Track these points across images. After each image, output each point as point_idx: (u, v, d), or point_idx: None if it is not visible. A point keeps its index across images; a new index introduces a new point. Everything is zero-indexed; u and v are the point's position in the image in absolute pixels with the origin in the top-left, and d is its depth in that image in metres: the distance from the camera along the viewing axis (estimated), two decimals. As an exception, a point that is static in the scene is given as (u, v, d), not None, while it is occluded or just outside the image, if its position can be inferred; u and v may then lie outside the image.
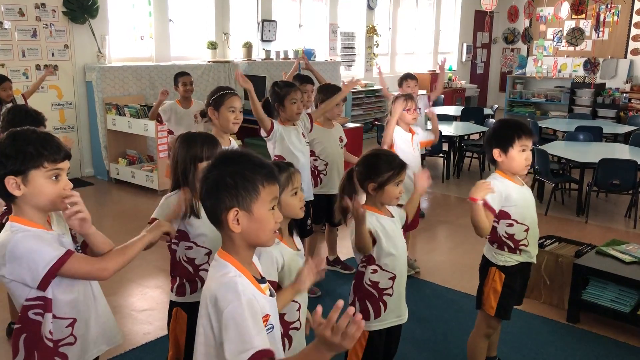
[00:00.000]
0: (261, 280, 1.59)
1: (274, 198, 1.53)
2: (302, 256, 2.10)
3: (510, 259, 2.69)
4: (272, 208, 1.53)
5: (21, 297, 1.76)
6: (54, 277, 1.72)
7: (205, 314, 1.49)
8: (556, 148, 6.38)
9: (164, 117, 5.28)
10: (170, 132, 5.35)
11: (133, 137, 6.94)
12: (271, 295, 1.60)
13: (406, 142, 4.04)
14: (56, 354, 1.84)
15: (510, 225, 2.66)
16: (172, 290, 2.44)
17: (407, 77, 5.48)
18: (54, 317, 1.80)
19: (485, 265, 2.78)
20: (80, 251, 1.94)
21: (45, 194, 1.73)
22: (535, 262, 2.80)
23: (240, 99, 3.13)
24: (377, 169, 2.37)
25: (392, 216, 2.48)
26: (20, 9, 6.40)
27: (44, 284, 1.71)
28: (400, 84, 5.48)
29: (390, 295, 2.42)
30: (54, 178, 1.74)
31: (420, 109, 5.41)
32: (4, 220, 3.12)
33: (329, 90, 4.03)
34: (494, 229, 2.69)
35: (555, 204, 6.18)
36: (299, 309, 2.05)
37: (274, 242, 1.63)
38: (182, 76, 5.35)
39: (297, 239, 2.14)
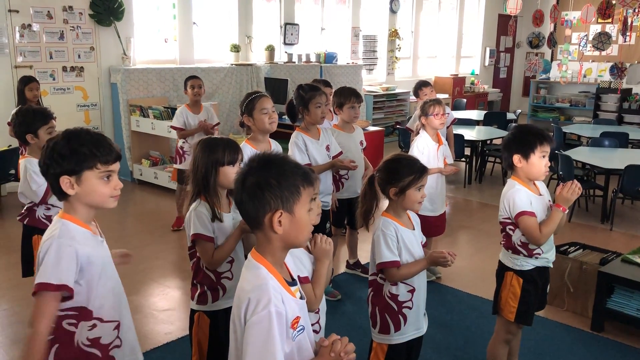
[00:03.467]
0: (292, 282, 1.59)
1: (311, 199, 1.56)
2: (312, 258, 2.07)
3: (526, 263, 2.67)
4: (310, 209, 1.54)
5: None
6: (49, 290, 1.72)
7: (237, 314, 1.50)
8: (580, 154, 6.29)
9: (179, 123, 5.24)
10: (179, 129, 5.25)
11: (156, 139, 7.02)
12: (301, 297, 1.61)
13: (432, 151, 4.02)
14: (107, 357, 1.87)
15: None
16: (192, 299, 2.43)
17: (422, 85, 5.37)
18: (101, 321, 1.83)
19: (501, 270, 2.76)
20: None
21: (98, 193, 1.79)
22: (552, 266, 2.77)
23: (270, 100, 3.17)
24: (398, 173, 2.36)
25: (413, 228, 2.45)
26: (48, 11, 6.52)
27: (34, 289, 1.73)
28: (416, 93, 5.39)
29: (409, 308, 2.41)
30: (105, 178, 1.79)
31: (449, 113, 5.39)
32: (26, 221, 3.20)
33: (342, 94, 4.01)
34: (509, 236, 2.68)
35: (579, 211, 6.09)
36: (317, 312, 2.04)
37: (307, 243, 1.65)
38: (190, 79, 5.28)
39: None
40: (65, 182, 1.74)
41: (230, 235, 2.30)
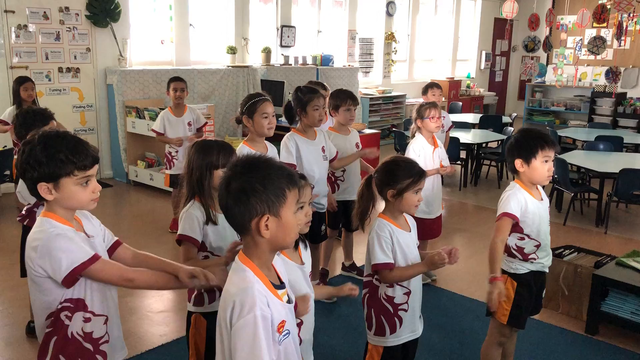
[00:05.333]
0: (279, 285, 1.58)
1: (297, 201, 1.55)
2: (304, 270, 2.05)
3: (521, 267, 2.68)
4: (297, 209, 1.54)
5: (51, 296, 1.78)
6: (76, 277, 1.75)
7: (223, 317, 1.50)
8: (575, 157, 6.32)
9: (160, 128, 5.17)
10: (159, 133, 5.17)
11: (152, 140, 6.96)
12: (289, 301, 1.60)
13: (427, 155, 4.02)
14: (98, 352, 1.87)
15: (522, 239, 2.65)
16: (189, 301, 2.42)
17: (432, 85, 5.43)
18: (94, 314, 1.84)
19: None
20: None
21: (76, 199, 1.79)
22: (547, 271, 2.78)
23: (272, 104, 3.18)
24: (396, 176, 2.36)
25: (410, 231, 2.46)
26: (44, 12, 6.51)
27: (67, 282, 1.74)
28: (425, 92, 5.43)
29: (405, 310, 2.41)
30: (84, 184, 1.79)
31: (444, 117, 5.43)
32: (26, 222, 3.19)
33: (339, 97, 4.01)
34: None
35: (574, 214, 6.11)
36: (299, 324, 2.00)
37: (293, 244, 1.64)
38: (173, 81, 5.18)
39: (304, 253, 2.10)
40: (43, 188, 1.74)
41: (210, 260, 2.30)
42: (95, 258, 1.76)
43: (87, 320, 1.83)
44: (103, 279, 1.81)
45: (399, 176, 2.35)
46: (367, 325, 2.47)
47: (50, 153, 1.72)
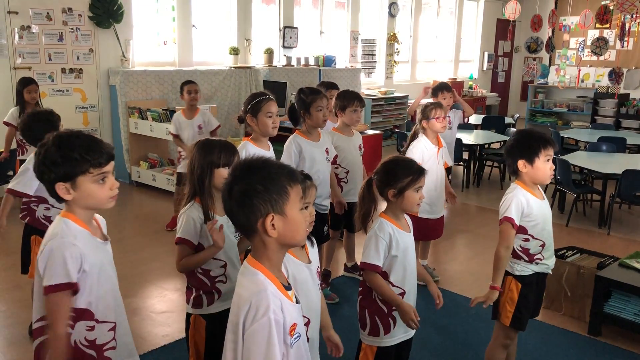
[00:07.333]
0: (288, 286, 1.58)
1: (301, 198, 1.55)
2: (311, 268, 2.04)
3: (526, 269, 2.68)
4: (301, 208, 1.54)
5: None
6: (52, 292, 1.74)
7: (236, 322, 1.48)
8: (578, 158, 6.31)
9: (174, 130, 5.28)
10: (174, 135, 5.29)
11: (154, 141, 7.02)
12: (297, 302, 1.60)
13: (431, 156, 4.01)
14: (102, 358, 1.87)
15: (527, 240, 2.66)
16: (187, 303, 2.41)
17: (443, 87, 5.26)
18: (97, 322, 1.84)
19: None
20: None
21: (94, 197, 1.80)
22: (551, 272, 2.78)
23: (276, 104, 3.19)
24: (395, 175, 2.37)
25: (409, 232, 2.46)
26: (47, 13, 6.52)
27: (46, 292, 1.74)
28: (435, 94, 5.24)
29: None
30: (100, 181, 1.79)
31: (450, 122, 5.40)
32: (27, 220, 3.20)
33: (346, 97, 4.01)
34: None
35: (577, 215, 6.11)
36: (307, 324, 2.00)
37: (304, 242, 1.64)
38: (187, 84, 5.25)
39: (311, 250, 2.10)
40: (61, 188, 1.76)
41: (203, 251, 2.31)
42: (63, 287, 1.72)
43: (90, 328, 1.83)
44: (48, 310, 1.75)
45: (398, 175, 2.36)
46: (360, 325, 2.47)
47: (64, 153, 1.74)
